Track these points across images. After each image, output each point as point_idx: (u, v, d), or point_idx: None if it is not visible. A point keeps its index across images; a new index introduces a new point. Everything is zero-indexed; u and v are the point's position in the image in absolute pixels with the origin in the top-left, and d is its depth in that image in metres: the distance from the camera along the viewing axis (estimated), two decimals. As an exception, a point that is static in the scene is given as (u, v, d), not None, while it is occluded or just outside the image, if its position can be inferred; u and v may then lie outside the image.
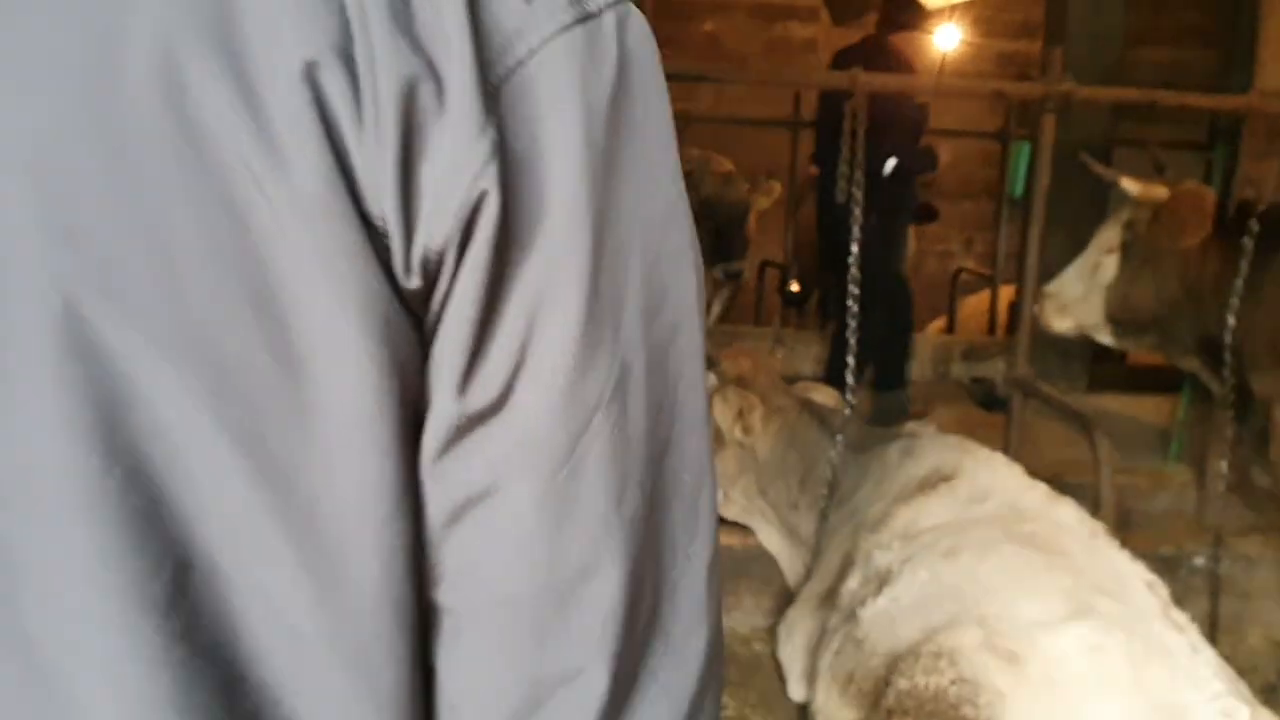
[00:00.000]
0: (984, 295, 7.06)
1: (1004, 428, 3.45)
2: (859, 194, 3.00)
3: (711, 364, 3.30)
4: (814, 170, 5.65)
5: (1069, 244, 5.40)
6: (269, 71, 0.49)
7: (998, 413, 4.00)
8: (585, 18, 0.55)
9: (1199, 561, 3.31)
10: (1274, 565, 3.34)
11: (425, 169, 0.51)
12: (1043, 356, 5.63)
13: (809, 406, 3.14)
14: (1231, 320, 3.13)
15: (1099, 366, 5.44)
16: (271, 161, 0.49)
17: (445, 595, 0.58)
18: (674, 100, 0.62)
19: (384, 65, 0.50)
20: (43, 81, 0.49)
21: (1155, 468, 4.24)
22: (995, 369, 5.10)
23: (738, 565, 3.26)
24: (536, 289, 0.54)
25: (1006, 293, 6.30)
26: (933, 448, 2.84)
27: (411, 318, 0.54)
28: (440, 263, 0.53)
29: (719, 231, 5.58)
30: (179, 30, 0.49)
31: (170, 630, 0.52)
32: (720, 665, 0.64)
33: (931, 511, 2.63)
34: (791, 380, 3.54)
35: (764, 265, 6.69)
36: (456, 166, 0.51)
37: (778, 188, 5.96)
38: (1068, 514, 2.46)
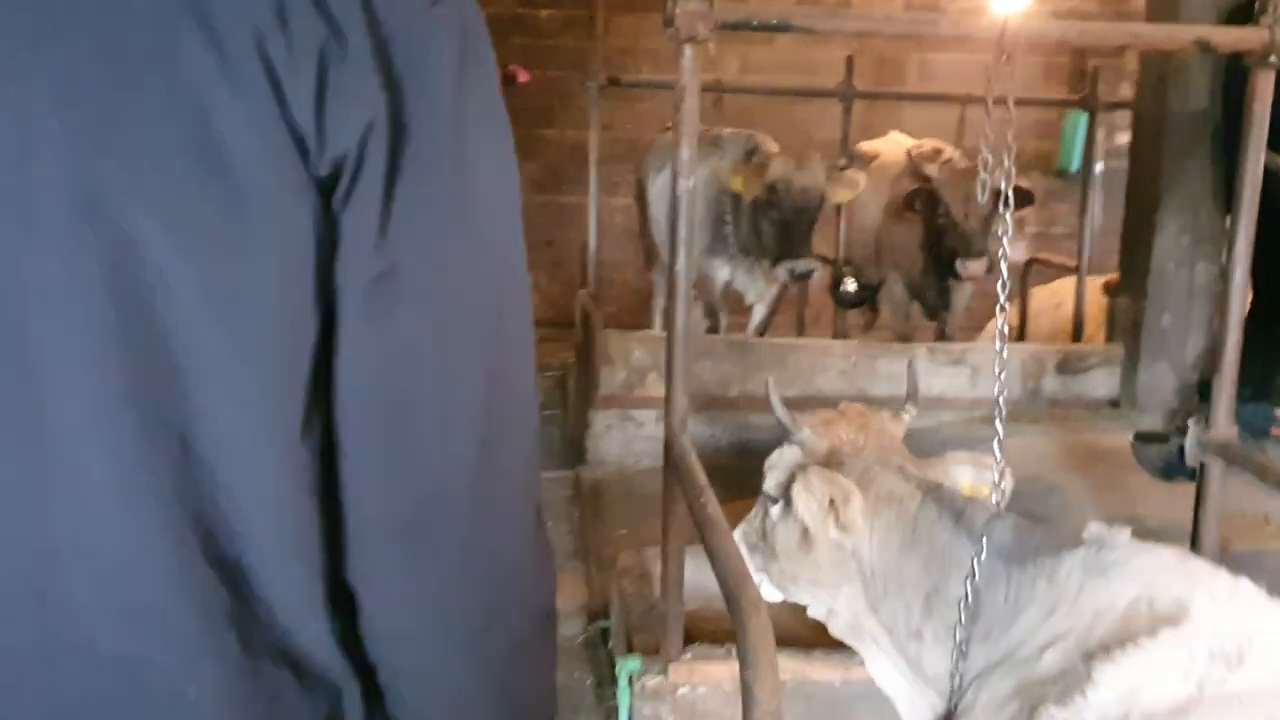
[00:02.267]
0: (1056, 288, 6.14)
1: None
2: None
3: (792, 433, 2.38)
4: None
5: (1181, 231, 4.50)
6: (232, 34, 0.80)
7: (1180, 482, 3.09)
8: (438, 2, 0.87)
9: None
10: None
11: (332, 100, 0.82)
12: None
13: (938, 494, 2.22)
14: None
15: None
16: (234, 89, 0.80)
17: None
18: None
19: (305, 33, 0.81)
20: (63, 33, 0.79)
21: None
22: (1146, 411, 4.19)
23: (838, 705, 2.35)
24: (415, 186, 0.85)
25: (1093, 286, 5.39)
26: (1135, 565, 1.92)
27: (321, 195, 0.83)
28: (343, 162, 0.83)
29: (785, 224, 4.68)
30: (170, 6, 0.79)
31: (142, 406, 0.82)
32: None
33: (1154, 678, 1.73)
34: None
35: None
36: (354, 100, 0.83)
37: (862, 179, 5.01)
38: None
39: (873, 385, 4.56)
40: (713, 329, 5.66)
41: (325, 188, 0.83)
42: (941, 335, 5.42)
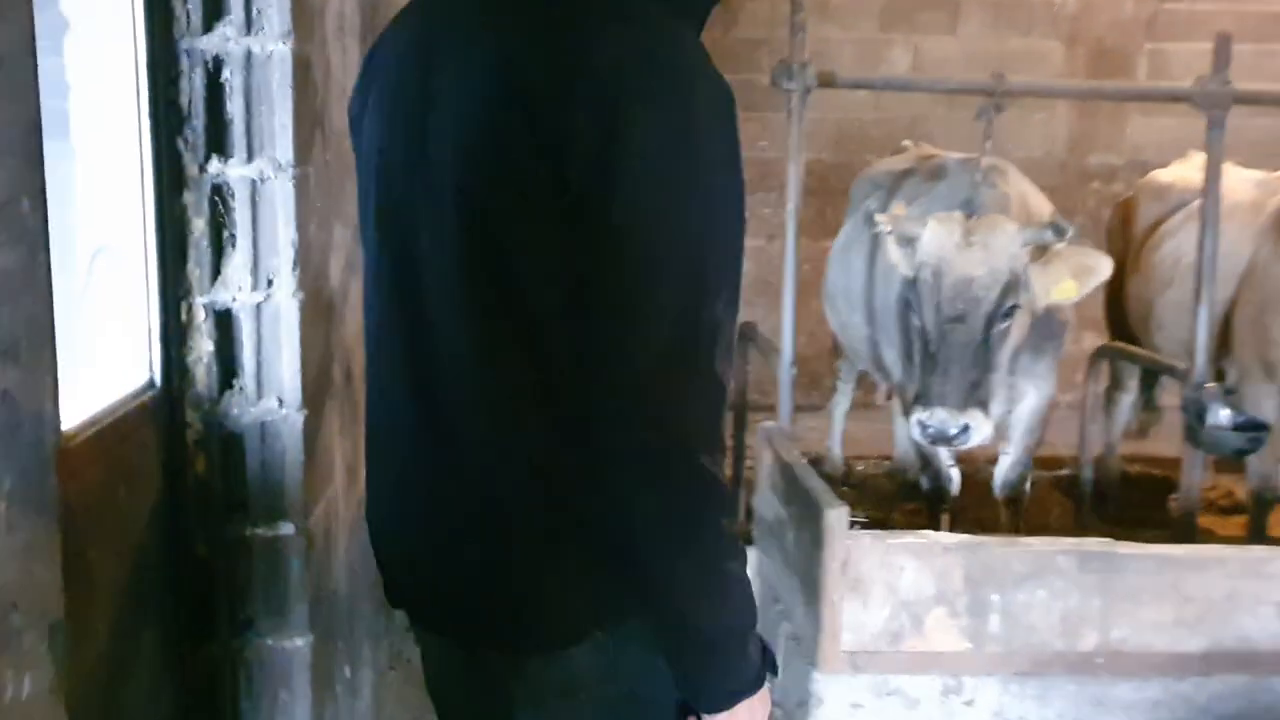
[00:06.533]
0: None
1: None
2: None
3: None
4: None
5: None
6: (552, 114, 1.24)
7: None
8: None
9: None
10: None
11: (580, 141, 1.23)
12: None
13: None
14: None
15: None
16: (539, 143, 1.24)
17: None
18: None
19: (577, 118, 1.23)
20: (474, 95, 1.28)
21: None
22: None
23: None
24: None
25: None
26: None
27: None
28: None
29: (928, 340, 2.87)
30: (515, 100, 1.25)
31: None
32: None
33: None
34: None
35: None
36: (585, 137, 1.22)
37: (1105, 266, 3.02)
38: None
39: None
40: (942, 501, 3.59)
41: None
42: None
